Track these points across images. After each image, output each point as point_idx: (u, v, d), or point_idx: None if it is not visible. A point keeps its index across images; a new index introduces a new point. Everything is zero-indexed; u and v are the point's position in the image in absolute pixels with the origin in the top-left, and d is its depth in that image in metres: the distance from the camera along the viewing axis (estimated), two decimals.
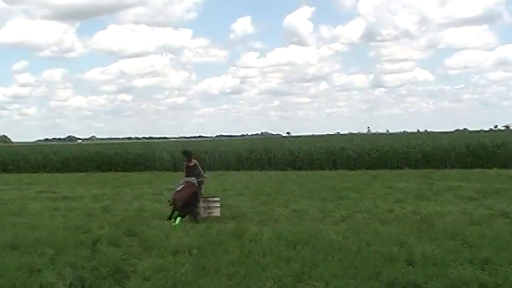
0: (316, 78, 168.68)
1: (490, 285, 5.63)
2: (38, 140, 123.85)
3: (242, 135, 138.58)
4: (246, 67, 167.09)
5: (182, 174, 11.16)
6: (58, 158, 29.38)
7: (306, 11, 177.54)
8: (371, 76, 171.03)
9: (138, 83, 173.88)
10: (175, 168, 24.20)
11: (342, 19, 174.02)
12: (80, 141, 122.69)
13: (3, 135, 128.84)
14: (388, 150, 26.23)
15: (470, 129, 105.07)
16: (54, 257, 7.14)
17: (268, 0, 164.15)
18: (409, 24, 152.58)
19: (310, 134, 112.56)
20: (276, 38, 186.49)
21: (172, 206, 10.44)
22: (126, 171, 26.84)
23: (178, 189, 10.61)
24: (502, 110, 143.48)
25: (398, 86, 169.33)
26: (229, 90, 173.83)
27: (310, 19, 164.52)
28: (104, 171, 27.27)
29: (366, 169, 24.61)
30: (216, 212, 10.78)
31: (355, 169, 24.84)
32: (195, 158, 11.24)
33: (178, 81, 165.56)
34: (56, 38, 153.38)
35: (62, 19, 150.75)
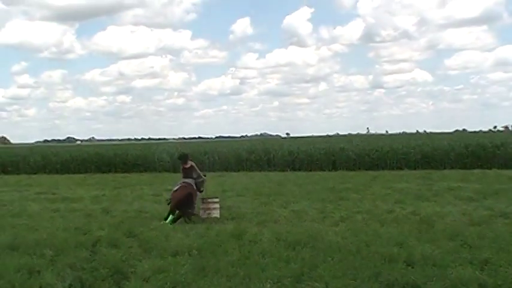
0: (316, 79, 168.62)
1: (489, 286, 5.63)
2: (37, 141, 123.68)
3: (241, 136, 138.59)
4: (245, 68, 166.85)
5: (181, 175, 11.22)
6: (57, 159, 29.37)
7: (305, 12, 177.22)
8: (370, 77, 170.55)
9: (138, 84, 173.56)
10: (174, 169, 24.16)
11: (341, 20, 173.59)
12: (79, 142, 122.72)
13: (3, 137, 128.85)
14: (387, 151, 26.25)
15: (469, 129, 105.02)
16: (53, 258, 7.14)
17: (268, 1, 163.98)
18: (408, 25, 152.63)
19: (310, 134, 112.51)
20: (276, 39, 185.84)
21: (169, 205, 10.59)
22: (125, 172, 26.84)
23: (175, 189, 10.77)
24: (501, 111, 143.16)
25: (398, 87, 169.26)
26: (228, 91, 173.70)
27: (309, 20, 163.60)
28: (103, 172, 27.27)
29: (366, 170, 24.62)
30: (216, 213, 10.79)
31: (354, 170, 24.85)
32: (191, 160, 11.36)
33: (177, 82, 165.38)
34: (55, 39, 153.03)
35: (61, 20, 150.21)
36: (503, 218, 10.04)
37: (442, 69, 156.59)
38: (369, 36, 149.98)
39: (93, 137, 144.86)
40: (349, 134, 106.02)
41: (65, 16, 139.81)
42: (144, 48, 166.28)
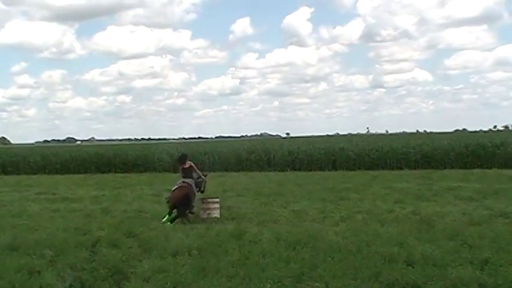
0: (316, 79, 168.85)
1: (489, 286, 5.63)
2: (37, 142, 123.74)
3: (241, 136, 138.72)
4: (245, 68, 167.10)
5: (180, 175, 11.28)
6: (57, 159, 29.35)
7: (305, 12, 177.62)
8: (370, 77, 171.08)
9: (138, 84, 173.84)
10: (174, 170, 24.14)
11: (341, 20, 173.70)
12: (79, 142, 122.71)
13: (3, 137, 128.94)
14: (387, 150, 26.23)
15: (469, 129, 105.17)
16: (53, 258, 7.14)
17: (267, 1, 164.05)
18: (408, 24, 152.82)
19: (310, 134, 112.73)
20: (275, 39, 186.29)
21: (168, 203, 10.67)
22: (125, 172, 26.83)
23: (173, 189, 10.85)
24: (501, 111, 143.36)
25: (398, 87, 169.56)
26: (228, 91, 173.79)
27: (309, 20, 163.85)
28: (103, 172, 27.26)
29: (366, 170, 24.61)
30: (216, 213, 10.79)
31: (354, 170, 24.84)
32: (190, 160, 11.43)
33: (177, 82, 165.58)
34: (55, 39, 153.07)
35: (61, 20, 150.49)
36: (503, 217, 10.04)
37: (442, 68, 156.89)
38: (368, 36, 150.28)
39: (93, 137, 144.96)
40: (349, 134, 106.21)
41: (64, 16, 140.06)
42: (144, 48, 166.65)
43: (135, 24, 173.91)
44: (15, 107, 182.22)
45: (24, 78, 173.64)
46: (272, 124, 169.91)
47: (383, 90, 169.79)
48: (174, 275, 6.17)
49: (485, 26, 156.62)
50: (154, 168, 27.13)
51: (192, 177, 11.06)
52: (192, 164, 11.22)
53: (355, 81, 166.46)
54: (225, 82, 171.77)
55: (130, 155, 28.91)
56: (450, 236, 8.01)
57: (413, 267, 6.29)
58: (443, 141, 29.45)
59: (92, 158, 29.10)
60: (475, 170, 22.32)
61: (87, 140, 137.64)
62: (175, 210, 10.44)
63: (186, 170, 11.09)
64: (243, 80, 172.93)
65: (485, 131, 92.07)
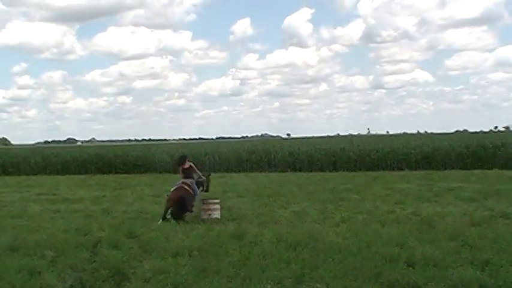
0: (316, 80, 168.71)
1: (490, 287, 5.63)
2: (38, 142, 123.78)
3: (242, 137, 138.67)
4: (245, 69, 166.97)
5: (180, 176, 11.38)
6: (58, 160, 29.36)
7: (306, 13, 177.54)
8: (371, 77, 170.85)
9: (138, 85, 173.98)
10: (174, 171, 24.19)
11: (342, 20, 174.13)
12: (79, 143, 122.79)
13: (3, 138, 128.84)
14: (388, 151, 26.22)
15: (470, 130, 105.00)
16: (54, 259, 7.16)
17: (268, 2, 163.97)
18: (408, 25, 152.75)
19: (310, 135, 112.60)
20: (276, 40, 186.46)
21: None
22: (126, 173, 26.84)
23: (172, 189, 10.96)
24: (502, 111, 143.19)
25: (398, 87, 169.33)
26: (229, 92, 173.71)
27: (309, 20, 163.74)
28: (104, 173, 27.27)
29: (366, 170, 24.60)
30: (216, 214, 10.79)
31: (355, 170, 24.83)
32: (190, 161, 11.51)
33: (178, 83, 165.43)
34: (55, 40, 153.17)
35: (62, 21, 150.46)
36: (504, 218, 10.02)
37: (443, 69, 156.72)
38: (369, 37, 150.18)
39: (93, 138, 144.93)
40: (350, 135, 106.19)
41: (65, 17, 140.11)
42: (144, 49, 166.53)
43: (136, 25, 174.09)
44: (15, 107, 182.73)
45: (25, 79, 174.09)
46: (272, 125, 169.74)
47: (383, 91, 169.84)
48: (175, 276, 6.17)
49: (485, 27, 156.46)
50: (155, 169, 27.12)
51: (192, 178, 11.15)
52: (192, 165, 11.33)
53: (356, 82, 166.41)
54: (226, 83, 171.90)
55: (131, 156, 28.93)
56: (451, 237, 8.00)
57: (413, 268, 6.28)
58: (443, 142, 29.45)
59: (92, 158, 29.10)
60: (476, 171, 22.31)
61: (88, 141, 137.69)
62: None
63: (186, 171, 11.18)
64: (243, 81, 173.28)
65: (485, 132, 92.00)
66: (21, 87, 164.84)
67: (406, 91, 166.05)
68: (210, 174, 12.37)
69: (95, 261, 6.92)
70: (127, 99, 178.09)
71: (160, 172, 26.30)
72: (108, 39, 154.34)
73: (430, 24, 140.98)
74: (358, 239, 7.99)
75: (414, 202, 12.61)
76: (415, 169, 24.43)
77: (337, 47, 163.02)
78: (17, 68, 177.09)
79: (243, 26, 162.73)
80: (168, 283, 5.97)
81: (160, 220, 10.35)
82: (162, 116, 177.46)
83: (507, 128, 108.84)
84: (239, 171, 26.06)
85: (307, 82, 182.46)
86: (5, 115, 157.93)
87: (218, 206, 10.94)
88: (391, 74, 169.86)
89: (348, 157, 26.25)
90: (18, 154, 32.32)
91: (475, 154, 24.95)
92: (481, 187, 15.30)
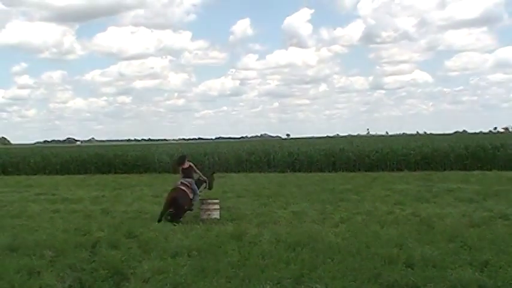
0: (316, 80, 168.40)
1: (489, 287, 5.63)
2: (37, 142, 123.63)
3: (242, 137, 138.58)
4: (245, 69, 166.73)
5: (180, 175, 11.37)
6: (57, 160, 29.36)
7: (306, 13, 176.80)
8: (370, 78, 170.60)
9: (138, 85, 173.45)
10: (174, 171, 24.18)
11: (342, 21, 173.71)
12: (79, 143, 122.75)
13: (3, 137, 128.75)
14: (387, 152, 26.23)
15: (469, 131, 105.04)
16: (53, 259, 7.16)
17: (268, 2, 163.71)
18: (408, 26, 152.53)
19: (310, 135, 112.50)
20: (276, 40, 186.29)
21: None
22: (125, 173, 26.83)
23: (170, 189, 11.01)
24: (501, 112, 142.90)
25: (398, 88, 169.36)
26: (228, 92, 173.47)
27: (309, 21, 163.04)
28: (103, 173, 27.27)
29: (366, 171, 24.61)
30: (216, 214, 10.79)
31: (354, 171, 24.84)
32: (189, 160, 11.54)
33: (177, 83, 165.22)
34: (55, 40, 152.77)
35: (61, 21, 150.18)
36: (503, 219, 10.03)
37: (442, 70, 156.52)
38: (369, 38, 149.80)
39: (93, 138, 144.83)
40: (349, 135, 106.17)
41: (65, 17, 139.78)
42: (144, 49, 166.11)
43: (136, 25, 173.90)
44: (15, 107, 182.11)
45: (25, 79, 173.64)
46: (272, 125, 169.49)
47: (383, 91, 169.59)
48: (174, 276, 6.17)
49: (485, 28, 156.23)
50: (154, 169, 27.12)
51: (191, 178, 11.17)
52: (192, 164, 11.35)
53: (355, 82, 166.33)
54: (225, 83, 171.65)
55: (130, 156, 28.92)
56: (450, 238, 8.01)
57: (412, 269, 6.29)
58: (443, 142, 29.44)
59: (92, 158, 29.10)
60: (475, 172, 22.31)
61: (87, 141, 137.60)
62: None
63: (185, 170, 11.20)
64: (243, 81, 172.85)
65: (485, 133, 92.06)
66: (21, 87, 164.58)
67: (406, 92, 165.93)
68: (214, 173, 12.59)
69: (94, 261, 6.92)
70: (127, 99, 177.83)
71: (159, 172, 26.29)
72: (108, 39, 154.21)
73: (429, 25, 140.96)
74: (357, 239, 8.00)
75: (413, 203, 12.62)
76: (415, 170, 24.44)
77: (337, 48, 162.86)
78: (16, 68, 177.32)
79: (242, 26, 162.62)
80: (167, 283, 5.97)
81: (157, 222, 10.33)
82: (161, 116, 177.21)
83: (506, 129, 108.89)
84: (238, 172, 26.06)
85: (306, 82, 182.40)
86: (4, 115, 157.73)
87: (217, 206, 10.95)
88: (390, 74, 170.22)
89: (347, 158, 26.27)
90: (18, 154, 32.30)
91: (475, 155, 24.97)
92: (480, 188, 15.31)
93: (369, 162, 25.80)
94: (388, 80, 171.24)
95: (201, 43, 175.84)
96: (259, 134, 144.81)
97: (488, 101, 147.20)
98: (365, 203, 12.78)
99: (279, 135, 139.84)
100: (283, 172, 25.43)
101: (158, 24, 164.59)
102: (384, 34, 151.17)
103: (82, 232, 9.15)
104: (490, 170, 23.14)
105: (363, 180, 19.47)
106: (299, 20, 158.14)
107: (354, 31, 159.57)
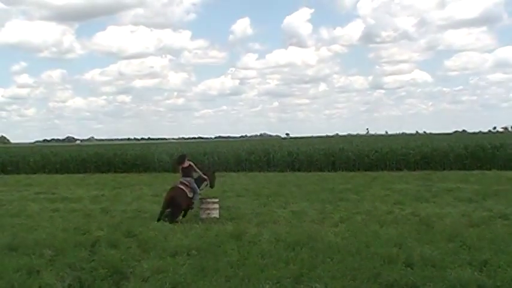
0: (316, 80, 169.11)
1: (488, 287, 5.63)
2: (37, 141, 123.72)
3: (241, 137, 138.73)
4: (245, 68, 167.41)
5: (180, 174, 11.34)
6: (57, 159, 29.34)
7: (305, 13, 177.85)
8: (370, 78, 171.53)
9: (137, 84, 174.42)
10: (174, 170, 24.17)
11: (341, 21, 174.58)
12: (78, 142, 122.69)
13: (2, 136, 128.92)
14: (387, 151, 26.23)
15: (469, 130, 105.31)
16: (53, 258, 7.15)
17: (268, 2, 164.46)
18: (408, 25, 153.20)
19: (309, 135, 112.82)
20: (275, 40, 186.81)
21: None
22: (125, 172, 26.82)
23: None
24: (500, 112, 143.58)
25: (398, 88, 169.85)
26: (228, 92, 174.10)
27: (309, 20, 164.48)
28: (102, 172, 27.26)
29: (365, 171, 24.62)
30: (215, 213, 10.80)
31: (354, 171, 24.84)
32: (189, 160, 11.53)
33: (177, 83, 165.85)
34: (55, 39, 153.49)
35: (61, 20, 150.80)
36: (503, 219, 10.04)
37: (442, 70, 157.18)
38: (368, 37, 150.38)
39: (92, 137, 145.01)
40: (349, 135, 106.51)
41: (64, 16, 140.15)
42: (143, 48, 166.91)
43: (135, 24, 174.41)
44: (14, 106, 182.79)
45: (24, 78, 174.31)
46: (272, 125, 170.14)
47: (383, 91, 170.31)
48: (173, 275, 6.17)
49: (485, 28, 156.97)
50: (154, 168, 27.12)
51: (191, 177, 11.16)
52: (192, 163, 11.33)
53: (355, 82, 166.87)
54: (225, 82, 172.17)
55: (130, 155, 28.90)
56: (449, 237, 8.01)
57: (412, 269, 6.29)
58: (442, 142, 29.46)
59: (91, 157, 29.08)
60: (475, 172, 22.33)
61: (87, 140, 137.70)
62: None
63: (185, 170, 11.20)
64: (242, 81, 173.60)
65: (484, 133, 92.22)
66: (21, 86, 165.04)
67: (405, 91, 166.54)
68: (215, 171, 12.68)
69: (93, 260, 6.92)
70: (126, 98, 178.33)
71: (159, 171, 26.28)
72: (108, 38, 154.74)
73: (429, 25, 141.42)
74: (357, 239, 8.00)
75: (413, 202, 12.62)
76: (414, 169, 24.45)
77: (336, 47, 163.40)
78: (16, 67, 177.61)
79: (242, 26, 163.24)
80: (167, 282, 5.97)
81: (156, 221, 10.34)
82: (161, 115, 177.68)
83: (506, 128, 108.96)
84: (238, 171, 26.06)
85: (306, 82, 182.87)
86: (4, 114, 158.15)
87: (217, 206, 10.95)
88: (390, 74, 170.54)
89: (347, 157, 26.27)
90: (17, 153, 32.30)
91: (474, 155, 24.98)
92: (480, 188, 15.31)
93: (368, 162, 25.80)
94: (387, 79, 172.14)
95: (200, 42, 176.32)
96: (258, 134, 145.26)
97: (487, 100, 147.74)
98: (364, 202, 12.79)
99: (279, 134, 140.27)
100: (282, 171, 25.44)
101: (158, 24, 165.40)
102: (383, 34, 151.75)
103: (81, 231, 9.14)
104: (490, 169, 23.16)
105: (363, 179, 19.47)
106: (299, 20, 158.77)
107: (353, 31, 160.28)
